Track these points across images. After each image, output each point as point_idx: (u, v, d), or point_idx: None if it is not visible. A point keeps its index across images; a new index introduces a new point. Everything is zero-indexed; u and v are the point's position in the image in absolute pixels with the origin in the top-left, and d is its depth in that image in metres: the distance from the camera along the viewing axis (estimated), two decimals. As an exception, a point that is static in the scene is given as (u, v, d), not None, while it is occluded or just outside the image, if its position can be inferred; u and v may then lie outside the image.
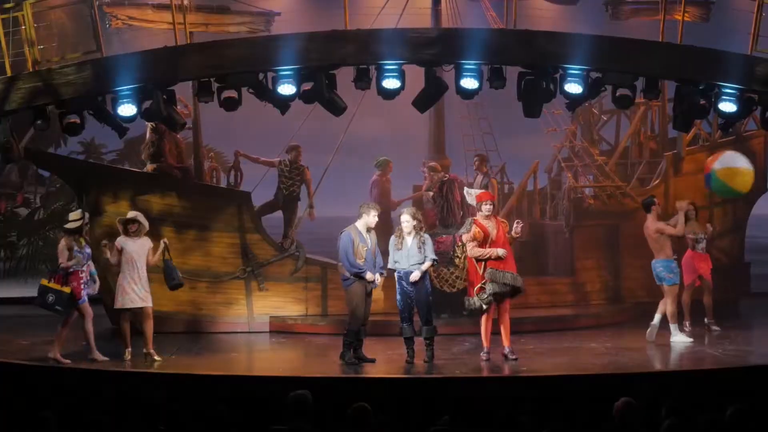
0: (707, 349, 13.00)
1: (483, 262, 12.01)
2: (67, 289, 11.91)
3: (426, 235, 12.02)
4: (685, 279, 14.23)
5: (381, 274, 11.99)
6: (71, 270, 11.97)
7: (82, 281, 12.06)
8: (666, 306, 13.26)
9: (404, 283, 11.90)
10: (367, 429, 7.12)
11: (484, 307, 12.00)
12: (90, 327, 12.23)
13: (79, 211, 12.34)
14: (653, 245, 13.35)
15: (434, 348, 12.05)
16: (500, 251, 11.98)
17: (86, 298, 12.16)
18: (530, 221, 16.36)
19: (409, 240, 11.90)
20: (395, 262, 11.93)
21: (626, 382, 9.93)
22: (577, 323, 14.86)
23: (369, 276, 11.83)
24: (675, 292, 13.29)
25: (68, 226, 12.10)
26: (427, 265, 11.86)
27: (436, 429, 7.48)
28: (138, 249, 12.30)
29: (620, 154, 16.82)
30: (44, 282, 11.96)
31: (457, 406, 7.75)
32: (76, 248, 12.01)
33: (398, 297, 11.99)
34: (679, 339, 13.21)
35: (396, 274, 11.96)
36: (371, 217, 11.94)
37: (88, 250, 12.19)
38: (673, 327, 13.27)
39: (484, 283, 11.99)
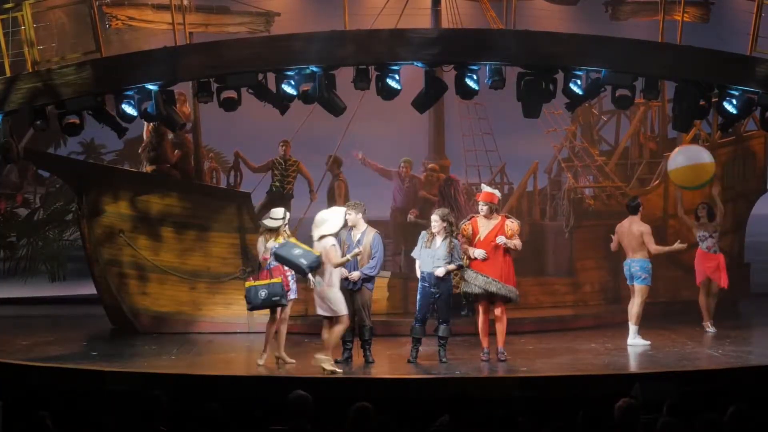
0: (707, 350, 12.99)
1: (469, 260, 12.10)
2: (278, 279, 11.71)
3: (456, 242, 11.85)
4: (697, 278, 14.30)
5: (363, 273, 11.80)
6: (272, 265, 11.72)
7: (288, 275, 11.84)
8: (634, 307, 13.20)
9: (426, 284, 11.84)
10: (368, 429, 7.12)
11: (463, 302, 12.08)
12: (282, 328, 12.04)
13: (282, 210, 12.06)
14: (632, 243, 13.23)
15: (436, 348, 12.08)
16: (476, 252, 11.92)
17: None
18: (530, 221, 16.35)
19: (439, 241, 11.82)
20: (422, 263, 11.88)
21: (626, 382, 9.92)
22: (577, 323, 14.86)
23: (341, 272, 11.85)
24: (645, 294, 13.22)
25: (267, 223, 11.84)
26: (452, 266, 11.75)
27: (436, 429, 7.48)
28: None
29: (620, 155, 16.81)
30: (248, 284, 11.78)
31: (457, 406, 7.75)
32: (275, 246, 11.70)
33: (418, 296, 11.94)
34: (638, 342, 13.10)
35: (419, 275, 11.90)
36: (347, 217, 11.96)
37: None
38: (632, 329, 13.17)
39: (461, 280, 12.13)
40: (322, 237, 11.42)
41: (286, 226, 11.92)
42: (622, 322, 13.73)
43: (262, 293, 11.72)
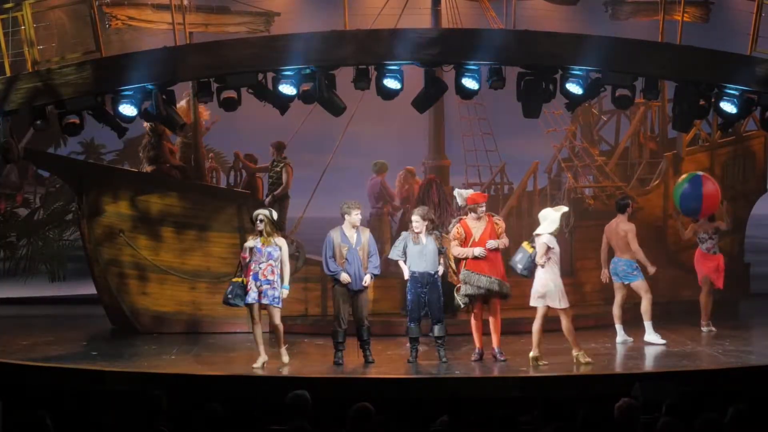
0: (707, 350, 12.99)
1: (463, 262, 12.01)
2: (238, 279, 11.82)
3: (438, 233, 11.98)
4: (698, 278, 14.36)
5: (372, 275, 11.95)
6: (247, 262, 11.77)
7: (251, 274, 11.77)
8: (642, 304, 13.28)
9: (418, 284, 11.85)
10: (368, 429, 7.12)
11: (461, 305, 12.03)
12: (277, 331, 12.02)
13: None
14: (619, 243, 13.37)
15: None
16: (476, 251, 11.89)
17: (257, 299, 11.76)
18: (530, 221, 16.33)
19: (424, 238, 11.86)
20: (411, 263, 11.87)
21: (626, 382, 9.92)
22: (577, 323, 14.74)
23: (343, 278, 11.81)
24: (644, 288, 13.30)
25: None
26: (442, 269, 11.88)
27: (436, 429, 7.48)
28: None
29: (620, 155, 16.80)
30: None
31: (456, 406, 7.75)
32: (256, 246, 11.78)
33: (409, 297, 11.93)
34: (654, 339, 13.17)
35: (411, 275, 11.87)
36: (353, 216, 11.92)
37: (270, 249, 11.81)
38: (647, 325, 13.27)
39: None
40: (539, 234, 11.75)
41: (261, 223, 11.88)
42: (621, 322, 13.72)
43: (229, 288, 11.89)
